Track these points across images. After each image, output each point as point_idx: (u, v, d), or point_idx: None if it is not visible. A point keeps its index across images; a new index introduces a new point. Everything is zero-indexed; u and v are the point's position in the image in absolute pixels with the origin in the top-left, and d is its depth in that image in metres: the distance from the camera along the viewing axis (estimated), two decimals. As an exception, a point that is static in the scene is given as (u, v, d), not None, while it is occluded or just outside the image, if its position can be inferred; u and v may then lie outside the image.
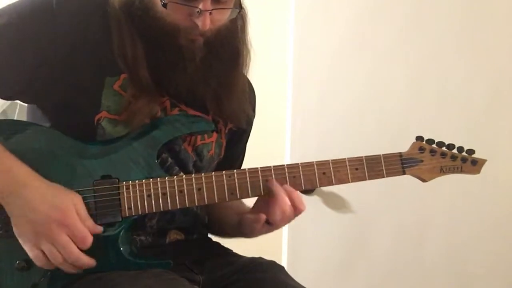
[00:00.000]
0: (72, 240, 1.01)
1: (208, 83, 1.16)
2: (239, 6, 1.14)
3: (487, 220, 1.84)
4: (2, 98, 1.17)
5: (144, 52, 1.12)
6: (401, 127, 1.88)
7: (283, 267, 1.24)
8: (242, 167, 1.36)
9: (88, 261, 1.04)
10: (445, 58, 1.88)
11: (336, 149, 1.96)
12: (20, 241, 1.03)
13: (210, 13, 1.07)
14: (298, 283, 1.19)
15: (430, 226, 1.90)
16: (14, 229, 1.03)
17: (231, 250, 1.31)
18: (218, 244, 1.32)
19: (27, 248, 1.02)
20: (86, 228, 1.03)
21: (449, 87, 1.88)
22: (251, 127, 1.37)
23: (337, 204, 1.98)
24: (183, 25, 1.09)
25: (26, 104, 1.24)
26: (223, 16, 1.12)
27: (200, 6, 1.07)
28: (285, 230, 2.02)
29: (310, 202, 1.98)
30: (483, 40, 1.85)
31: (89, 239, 1.03)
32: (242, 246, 1.31)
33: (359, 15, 1.98)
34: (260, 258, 1.24)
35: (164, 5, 1.07)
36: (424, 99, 1.91)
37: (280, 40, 2.17)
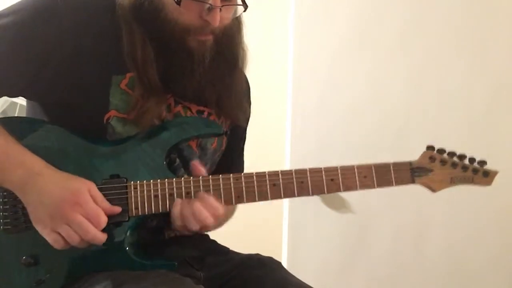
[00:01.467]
0: (87, 220, 1.02)
1: (214, 84, 1.17)
2: (244, 4, 1.15)
3: (487, 219, 1.84)
4: (7, 95, 1.17)
5: (154, 54, 1.13)
6: (400, 127, 1.89)
7: (280, 263, 1.25)
8: (248, 171, 1.36)
9: (105, 237, 1.05)
10: (445, 58, 1.89)
11: (336, 149, 1.96)
12: (38, 229, 1.04)
13: (220, 10, 1.09)
14: (296, 278, 1.19)
15: (430, 226, 1.90)
16: (31, 217, 1.04)
17: (228, 248, 1.31)
18: (215, 242, 1.32)
19: (45, 234, 1.04)
20: (100, 208, 1.04)
21: (449, 88, 1.88)
22: (248, 123, 1.38)
23: (337, 204, 1.98)
24: (194, 24, 1.10)
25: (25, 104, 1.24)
26: (230, 14, 1.14)
27: (211, 2, 1.08)
28: (285, 229, 2.02)
29: (310, 202, 1.99)
30: (483, 40, 1.86)
31: (103, 218, 1.04)
32: (241, 246, 1.31)
33: (359, 15, 1.98)
34: (258, 254, 1.24)
35: (178, 2, 1.08)
36: (424, 99, 1.91)
37: (280, 40, 2.17)
